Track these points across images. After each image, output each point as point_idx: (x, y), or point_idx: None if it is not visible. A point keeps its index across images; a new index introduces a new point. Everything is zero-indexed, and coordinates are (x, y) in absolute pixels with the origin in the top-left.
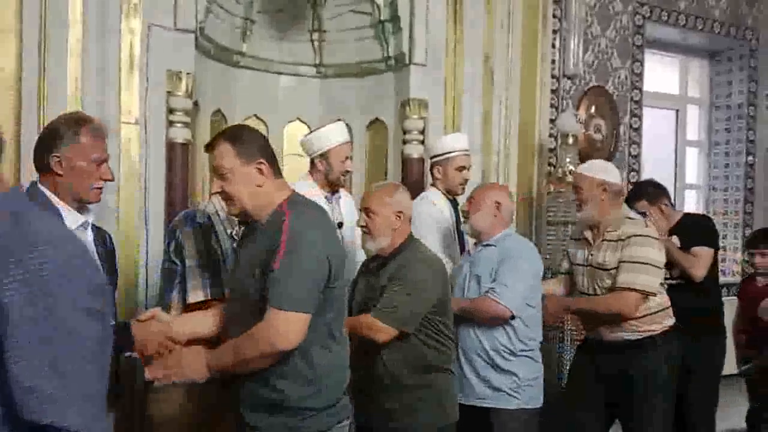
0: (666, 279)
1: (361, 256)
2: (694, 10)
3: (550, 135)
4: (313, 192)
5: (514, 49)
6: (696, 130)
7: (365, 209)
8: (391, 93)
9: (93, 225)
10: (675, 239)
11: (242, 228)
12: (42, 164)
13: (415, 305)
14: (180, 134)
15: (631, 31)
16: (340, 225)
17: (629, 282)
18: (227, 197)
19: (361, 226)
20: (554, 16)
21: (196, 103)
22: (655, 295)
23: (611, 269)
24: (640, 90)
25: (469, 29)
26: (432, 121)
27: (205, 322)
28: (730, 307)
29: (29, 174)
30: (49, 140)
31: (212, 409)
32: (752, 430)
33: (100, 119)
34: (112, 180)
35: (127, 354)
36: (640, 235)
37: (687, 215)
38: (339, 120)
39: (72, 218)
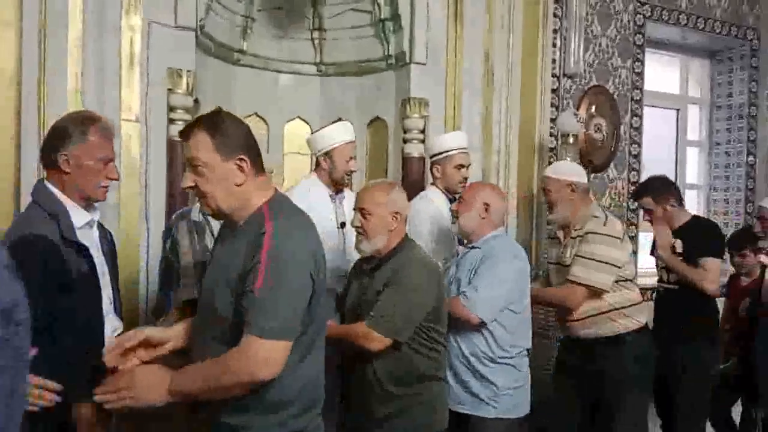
0: (660, 283)
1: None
2: (694, 9)
3: (551, 134)
4: (318, 191)
5: (514, 48)
6: (697, 129)
7: (360, 209)
8: (391, 92)
9: (98, 223)
10: (678, 243)
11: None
12: (49, 162)
13: (411, 313)
14: None
15: (631, 30)
16: (343, 225)
17: (578, 276)
18: (200, 194)
19: (356, 227)
20: (555, 15)
21: (196, 101)
22: (607, 292)
23: (569, 265)
24: (641, 89)
25: (469, 28)
26: (432, 120)
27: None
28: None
29: (29, 170)
30: (57, 138)
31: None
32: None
33: (108, 119)
34: (118, 179)
35: None
36: (597, 233)
37: (696, 218)
38: (341, 119)
39: (79, 216)
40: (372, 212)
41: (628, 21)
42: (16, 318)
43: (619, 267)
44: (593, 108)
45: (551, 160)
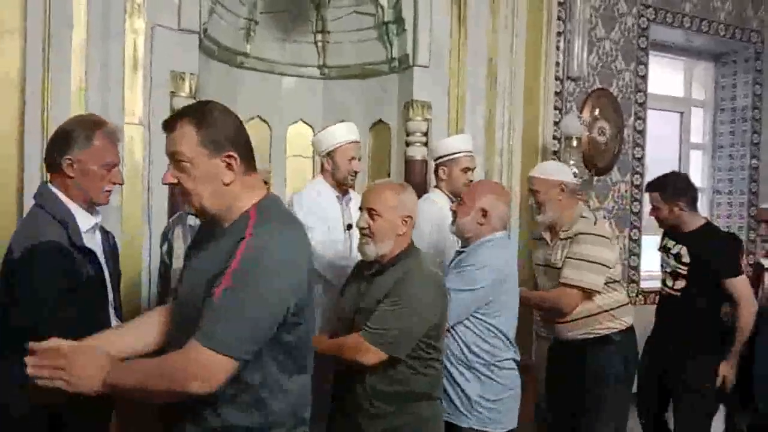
0: (665, 287)
1: None
2: (698, 12)
3: (554, 137)
4: (326, 193)
5: (518, 51)
6: (700, 132)
7: (369, 209)
8: (394, 94)
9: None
10: (684, 250)
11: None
12: (53, 165)
13: (411, 329)
14: None
15: (635, 33)
16: (350, 227)
17: (571, 278)
18: (184, 192)
19: (361, 228)
20: (558, 18)
21: None
22: (599, 293)
23: (561, 268)
24: (645, 92)
25: (472, 31)
26: (435, 122)
27: (148, 335)
28: None
29: (32, 173)
30: (62, 142)
31: None
32: None
33: (113, 124)
34: (122, 184)
35: None
36: (587, 233)
37: (708, 225)
38: (344, 121)
39: (84, 220)
40: (381, 214)
41: (632, 24)
42: None
43: (609, 267)
44: (597, 111)
45: None
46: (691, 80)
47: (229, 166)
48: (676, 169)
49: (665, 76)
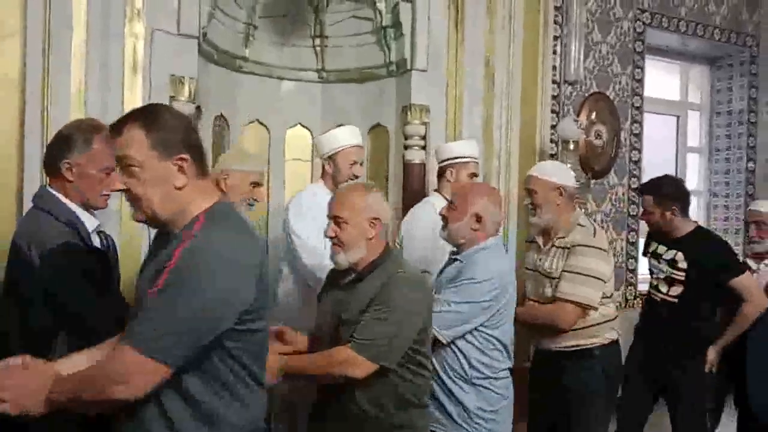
0: (657, 293)
1: None
2: (694, 16)
3: (551, 141)
4: (324, 196)
5: (515, 55)
6: (697, 136)
7: (335, 217)
8: (392, 98)
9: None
10: (679, 255)
11: None
12: (53, 169)
13: (400, 336)
14: None
15: (631, 37)
16: None
17: (569, 293)
18: (133, 198)
19: (330, 237)
20: (555, 22)
21: (198, 108)
22: (595, 309)
23: (556, 278)
24: (641, 96)
25: (470, 35)
26: (433, 124)
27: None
28: None
29: (32, 175)
30: (61, 146)
31: None
32: None
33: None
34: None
35: None
36: (586, 246)
37: (698, 228)
38: (342, 125)
39: (88, 223)
40: (348, 221)
41: (628, 28)
42: None
43: (605, 282)
44: (593, 114)
45: None
46: (687, 84)
47: (180, 169)
48: (673, 172)
49: (661, 79)
